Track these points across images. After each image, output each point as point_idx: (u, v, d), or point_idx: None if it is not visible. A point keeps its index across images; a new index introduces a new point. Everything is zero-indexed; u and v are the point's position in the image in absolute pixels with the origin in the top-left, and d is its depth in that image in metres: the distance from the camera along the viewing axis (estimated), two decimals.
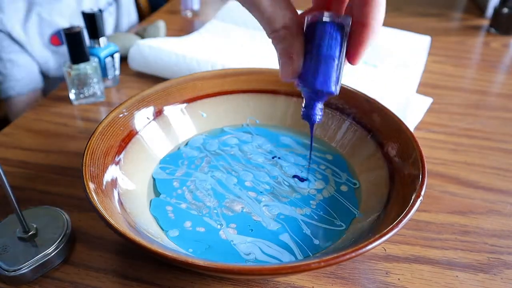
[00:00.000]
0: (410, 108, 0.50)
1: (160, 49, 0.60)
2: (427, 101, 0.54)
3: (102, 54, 0.57)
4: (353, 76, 0.55)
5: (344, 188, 0.39)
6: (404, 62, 0.62)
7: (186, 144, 0.43)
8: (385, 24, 0.72)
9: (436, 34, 0.79)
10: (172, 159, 0.41)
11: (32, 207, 0.37)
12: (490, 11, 0.86)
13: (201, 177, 0.39)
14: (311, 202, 0.37)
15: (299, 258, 0.32)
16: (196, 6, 0.88)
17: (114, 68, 0.59)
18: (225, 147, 0.43)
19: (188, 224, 0.35)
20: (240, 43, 0.68)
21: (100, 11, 0.55)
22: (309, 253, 0.32)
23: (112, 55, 0.58)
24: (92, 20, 0.55)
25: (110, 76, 0.59)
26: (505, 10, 0.79)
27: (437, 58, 0.70)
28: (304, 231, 0.34)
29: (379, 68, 0.61)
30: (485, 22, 0.86)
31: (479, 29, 0.84)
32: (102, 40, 0.57)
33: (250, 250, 0.32)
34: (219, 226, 0.34)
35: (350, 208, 0.36)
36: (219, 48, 0.65)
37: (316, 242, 0.33)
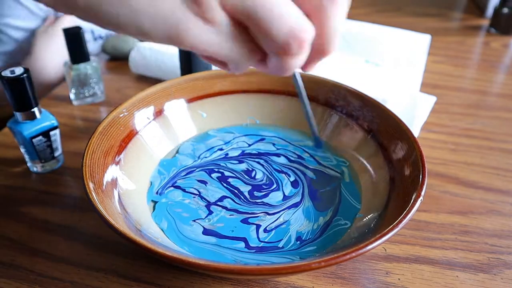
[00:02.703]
0: (418, 108, 0.50)
1: (161, 52, 0.60)
2: (431, 100, 0.54)
3: (28, 132, 0.40)
4: (357, 76, 0.55)
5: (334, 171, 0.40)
6: (405, 60, 0.62)
7: (177, 151, 0.42)
8: (385, 23, 0.72)
9: (436, 34, 0.79)
10: (169, 165, 0.41)
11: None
12: (490, 11, 0.86)
13: (211, 188, 0.39)
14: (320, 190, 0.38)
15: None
16: None
17: (52, 149, 0.43)
18: (214, 152, 0.43)
19: (194, 231, 0.34)
20: None
21: (27, 71, 0.38)
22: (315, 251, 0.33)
23: (47, 132, 0.42)
24: (17, 85, 0.38)
25: (44, 159, 0.43)
26: (505, 10, 0.79)
27: (437, 58, 0.70)
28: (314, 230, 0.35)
29: (382, 66, 0.61)
30: (485, 22, 0.86)
31: (479, 29, 0.84)
32: (34, 112, 0.40)
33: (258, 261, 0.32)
34: (232, 231, 0.34)
35: (352, 202, 0.37)
36: None
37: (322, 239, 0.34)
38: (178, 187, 0.38)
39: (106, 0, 0.19)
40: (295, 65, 0.22)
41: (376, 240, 0.26)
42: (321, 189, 0.39)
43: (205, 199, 0.37)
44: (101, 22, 0.20)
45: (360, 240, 0.29)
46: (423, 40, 0.68)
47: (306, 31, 0.21)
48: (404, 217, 0.28)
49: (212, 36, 0.21)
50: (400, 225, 0.28)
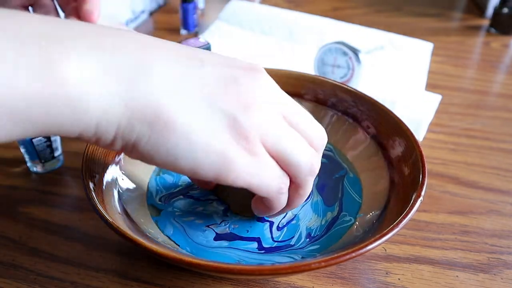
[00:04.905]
0: (425, 107, 0.50)
1: None
2: (437, 98, 0.54)
3: None
4: (359, 76, 0.54)
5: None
6: (409, 65, 0.62)
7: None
8: (385, 23, 0.72)
9: (436, 34, 0.79)
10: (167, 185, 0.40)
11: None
12: (490, 11, 0.86)
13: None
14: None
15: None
16: (201, 4, 0.87)
17: (52, 149, 0.43)
18: None
19: (206, 236, 0.34)
20: (247, 49, 0.67)
21: None
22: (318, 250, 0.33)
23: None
24: None
25: (44, 159, 0.43)
26: (505, 10, 0.79)
27: (437, 58, 0.70)
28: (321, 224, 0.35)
29: (386, 49, 0.60)
30: (485, 22, 0.86)
31: (479, 29, 0.84)
32: None
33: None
34: (247, 231, 0.34)
35: (354, 196, 0.37)
36: (228, 53, 0.64)
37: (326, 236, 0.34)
38: (190, 197, 0.37)
39: (177, 154, 0.23)
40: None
41: (376, 240, 0.26)
42: (327, 178, 0.39)
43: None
44: (163, 166, 0.24)
45: (360, 240, 0.29)
46: (425, 48, 0.67)
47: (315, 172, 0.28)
48: (404, 217, 0.28)
49: (254, 165, 0.25)
50: (400, 225, 0.28)
